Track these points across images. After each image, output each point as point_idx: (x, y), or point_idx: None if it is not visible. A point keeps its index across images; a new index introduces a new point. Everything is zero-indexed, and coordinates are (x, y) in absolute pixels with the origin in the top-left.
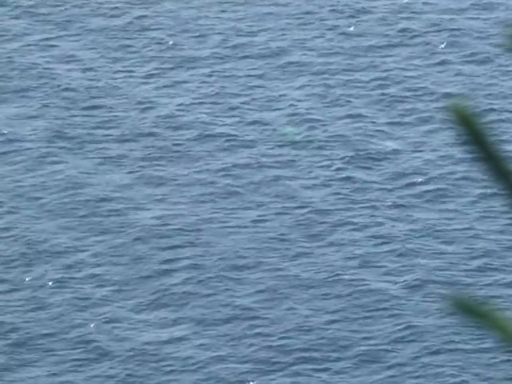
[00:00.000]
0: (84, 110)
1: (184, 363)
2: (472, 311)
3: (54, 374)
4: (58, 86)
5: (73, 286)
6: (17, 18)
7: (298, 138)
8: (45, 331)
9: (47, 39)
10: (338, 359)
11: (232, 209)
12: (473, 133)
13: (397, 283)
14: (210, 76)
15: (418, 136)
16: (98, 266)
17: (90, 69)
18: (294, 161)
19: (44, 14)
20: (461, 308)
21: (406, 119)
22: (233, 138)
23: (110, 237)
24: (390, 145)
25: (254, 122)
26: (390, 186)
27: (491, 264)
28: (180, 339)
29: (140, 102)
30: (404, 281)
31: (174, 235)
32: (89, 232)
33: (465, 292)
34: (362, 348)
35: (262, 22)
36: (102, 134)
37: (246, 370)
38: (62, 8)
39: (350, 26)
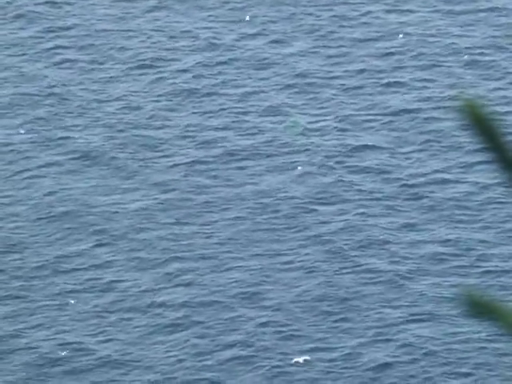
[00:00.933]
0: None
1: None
2: (484, 307)
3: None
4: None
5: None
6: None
7: (300, 129)
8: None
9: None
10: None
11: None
12: (486, 129)
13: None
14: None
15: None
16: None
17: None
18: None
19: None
20: (473, 305)
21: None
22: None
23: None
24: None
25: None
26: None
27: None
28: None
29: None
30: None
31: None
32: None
33: (476, 289)
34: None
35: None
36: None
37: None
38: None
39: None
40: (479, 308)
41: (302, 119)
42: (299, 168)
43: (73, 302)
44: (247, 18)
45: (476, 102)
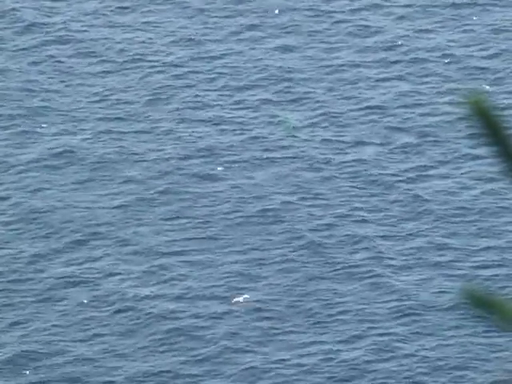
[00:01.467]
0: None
1: None
2: (483, 303)
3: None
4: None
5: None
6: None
7: (293, 127)
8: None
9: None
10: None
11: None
12: (490, 125)
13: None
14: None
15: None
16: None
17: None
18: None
19: None
20: (473, 300)
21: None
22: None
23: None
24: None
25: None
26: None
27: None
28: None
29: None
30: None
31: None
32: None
33: (476, 284)
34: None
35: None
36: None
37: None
38: None
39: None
40: (480, 304)
41: (293, 117)
42: (281, 165)
43: (55, 299)
44: (276, 12)
45: (481, 98)
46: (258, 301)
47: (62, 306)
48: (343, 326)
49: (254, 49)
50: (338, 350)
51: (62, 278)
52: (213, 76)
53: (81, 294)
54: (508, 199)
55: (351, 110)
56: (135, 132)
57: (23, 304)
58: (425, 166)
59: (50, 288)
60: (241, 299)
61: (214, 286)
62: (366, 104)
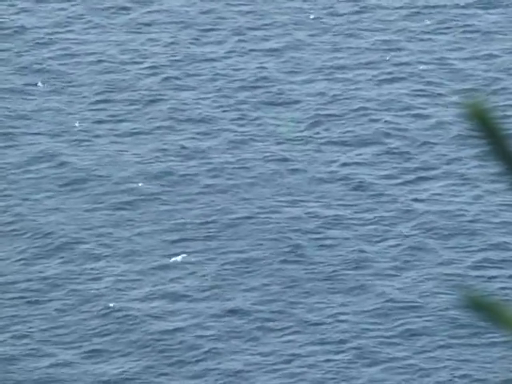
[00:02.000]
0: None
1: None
2: (483, 306)
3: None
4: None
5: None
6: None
7: (294, 132)
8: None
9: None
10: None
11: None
12: (489, 129)
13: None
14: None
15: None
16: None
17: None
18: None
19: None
20: (472, 303)
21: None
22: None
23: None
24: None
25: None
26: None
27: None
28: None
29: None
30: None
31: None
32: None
33: (475, 287)
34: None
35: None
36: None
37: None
38: None
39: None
40: (481, 308)
41: (294, 119)
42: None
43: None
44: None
45: (481, 104)
46: (237, 306)
47: (40, 309)
48: (328, 329)
49: (245, 53)
50: (323, 353)
51: (41, 281)
52: (201, 78)
53: (60, 297)
54: (497, 204)
55: (341, 113)
56: (118, 135)
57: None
58: (409, 168)
59: (27, 290)
60: (179, 258)
61: (197, 287)
62: (355, 106)
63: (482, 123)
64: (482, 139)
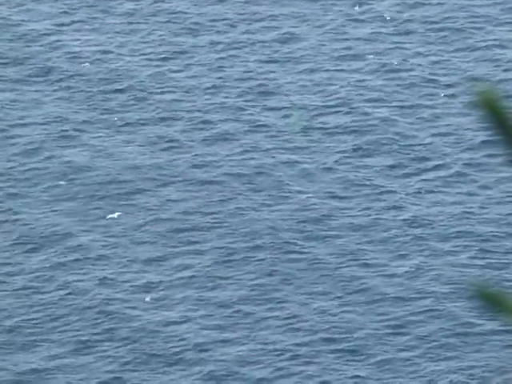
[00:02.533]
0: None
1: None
2: (492, 299)
3: (56, 356)
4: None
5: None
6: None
7: (302, 124)
8: (48, 315)
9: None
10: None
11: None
12: (498, 117)
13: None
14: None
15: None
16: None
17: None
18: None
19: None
20: (482, 296)
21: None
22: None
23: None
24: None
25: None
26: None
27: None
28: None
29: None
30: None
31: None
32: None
33: (485, 280)
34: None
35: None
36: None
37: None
38: None
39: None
40: (488, 300)
41: (303, 114)
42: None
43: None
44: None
45: (491, 92)
46: (231, 303)
47: (30, 303)
48: (320, 324)
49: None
50: (316, 347)
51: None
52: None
53: (49, 291)
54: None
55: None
56: (110, 136)
57: None
58: (398, 165)
59: (15, 283)
60: (115, 215)
61: (188, 280)
62: (348, 108)
63: (492, 112)
64: (491, 127)
